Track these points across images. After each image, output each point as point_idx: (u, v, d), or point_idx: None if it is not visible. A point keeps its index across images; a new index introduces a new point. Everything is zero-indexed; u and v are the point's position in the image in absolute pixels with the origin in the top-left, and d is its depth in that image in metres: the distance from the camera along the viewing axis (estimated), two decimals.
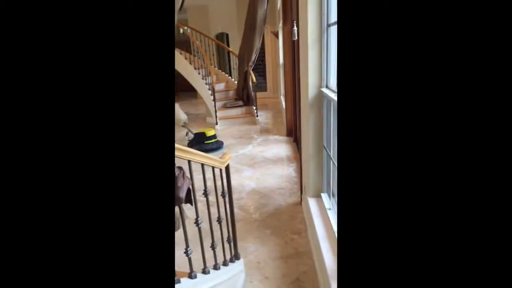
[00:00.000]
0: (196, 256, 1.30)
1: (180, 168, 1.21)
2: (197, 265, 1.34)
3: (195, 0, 6.59)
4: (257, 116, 5.48)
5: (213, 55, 6.26)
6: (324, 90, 1.76)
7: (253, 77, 5.39)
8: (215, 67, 6.34)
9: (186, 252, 1.25)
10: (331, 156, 1.75)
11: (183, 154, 1.18)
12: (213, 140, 4.14)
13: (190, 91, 6.26)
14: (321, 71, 1.79)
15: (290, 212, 2.57)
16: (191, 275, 1.28)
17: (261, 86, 7.54)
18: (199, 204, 1.32)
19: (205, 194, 1.41)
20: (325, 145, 1.91)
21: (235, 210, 2.59)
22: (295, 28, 2.42)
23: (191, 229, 1.31)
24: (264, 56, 7.36)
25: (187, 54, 5.77)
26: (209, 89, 5.42)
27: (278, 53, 6.26)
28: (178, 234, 1.23)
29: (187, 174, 1.25)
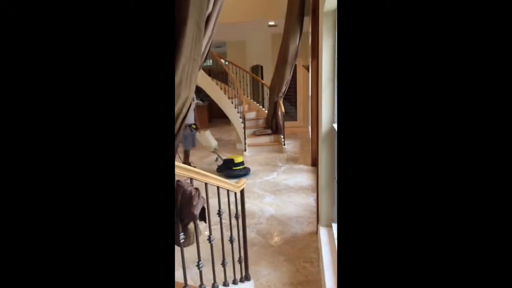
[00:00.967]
0: (206, 270, 1.45)
1: (196, 189, 1.41)
2: (207, 279, 1.48)
3: (234, 37, 7.19)
4: (284, 144, 5.65)
5: (247, 85, 6.68)
6: (336, 125, 1.90)
7: (282, 107, 5.64)
8: (248, 96, 6.74)
9: (198, 265, 1.41)
10: None
11: (201, 177, 1.38)
12: (241, 167, 4.29)
13: (224, 118, 6.67)
14: (333, 108, 1.94)
15: (305, 240, 2.63)
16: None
17: (292, 115, 7.77)
18: (215, 227, 1.47)
19: (219, 214, 1.58)
20: (336, 177, 2.01)
21: (253, 234, 2.73)
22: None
23: (205, 246, 1.48)
24: (295, 87, 7.65)
25: (223, 85, 6.23)
26: (240, 117, 5.75)
27: (308, 85, 6.51)
28: (192, 249, 1.40)
29: (203, 194, 1.44)
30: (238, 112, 5.85)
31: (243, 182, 1.81)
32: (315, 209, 3.19)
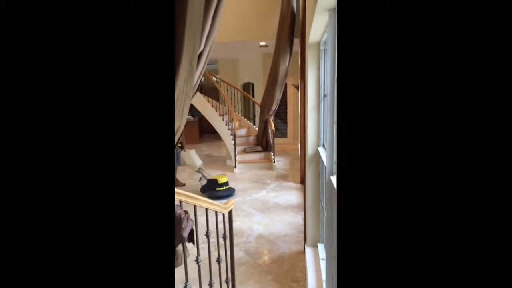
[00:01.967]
0: None
1: (186, 211, 1.46)
2: None
3: (226, 55, 7.37)
4: (274, 162, 5.73)
5: (238, 103, 6.82)
6: (320, 149, 2.00)
7: (272, 125, 5.76)
8: (238, 113, 6.85)
9: (185, 287, 1.45)
10: (324, 208, 1.93)
11: (190, 199, 1.44)
12: (224, 188, 4.17)
13: (215, 133, 6.74)
14: (319, 132, 2.05)
15: (293, 260, 2.67)
16: None
17: (283, 132, 7.91)
18: (203, 246, 1.52)
19: (207, 235, 1.63)
20: (321, 198, 2.09)
21: (241, 253, 2.75)
22: None
23: (193, 267, 1.51)
24: (286, 104, 7.83)
25: (214, 102, 6.33)
26: (230, 134, 5.83)
27: (298, 104, 6.69)
28: (180, 269, 1.44)
29: (192, 217, 1.49)
30: (228, 129, 5.93)
31: (231, 203, 1.87)
32: (302, 228, 3.24)
